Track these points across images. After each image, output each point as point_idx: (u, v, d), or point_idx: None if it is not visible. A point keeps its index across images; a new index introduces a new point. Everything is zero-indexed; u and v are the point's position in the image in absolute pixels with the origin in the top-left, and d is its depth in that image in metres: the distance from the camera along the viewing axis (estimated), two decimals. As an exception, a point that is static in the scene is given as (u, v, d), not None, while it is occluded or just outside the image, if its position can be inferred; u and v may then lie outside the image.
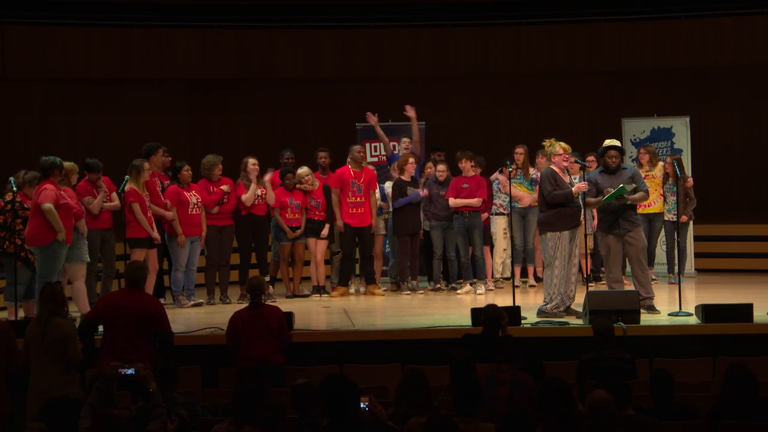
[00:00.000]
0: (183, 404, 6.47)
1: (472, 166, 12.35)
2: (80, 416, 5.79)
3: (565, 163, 10.05)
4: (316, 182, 12.18)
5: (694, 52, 16.13)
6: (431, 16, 16.55)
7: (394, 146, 13.15)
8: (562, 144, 10.02)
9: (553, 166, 9.99)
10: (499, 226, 12.66)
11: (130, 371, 6.19)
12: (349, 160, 12.30)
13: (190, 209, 11.38)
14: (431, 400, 6.27)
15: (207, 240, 11.58)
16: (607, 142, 10.24)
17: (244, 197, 11.84)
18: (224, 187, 11.67)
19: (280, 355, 8.17)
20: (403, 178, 12.31)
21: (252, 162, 11.94)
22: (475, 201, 12.19)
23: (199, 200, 11.44)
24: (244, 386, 5.92)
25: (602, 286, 12.57)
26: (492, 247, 12.73)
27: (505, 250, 12.71)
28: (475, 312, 9.00)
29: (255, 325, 8.10)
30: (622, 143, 14.11)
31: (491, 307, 8.27)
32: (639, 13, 16.21)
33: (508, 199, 12.35)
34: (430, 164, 12.52)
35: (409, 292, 12.27)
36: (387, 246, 12.88)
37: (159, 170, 11.51)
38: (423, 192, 12.26)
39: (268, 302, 11.45)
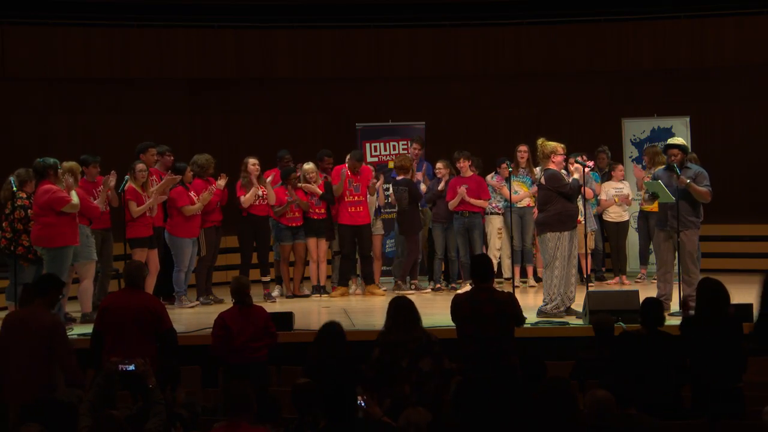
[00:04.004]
0: (183, 404, 6.47)
1: (469, 166, 12.39)
2: (79, 413, 5.78)
3: (564, 163, 10.07)
4: (320, 179, 12.20)
5: (694, 52, 16.10)
6: (431, 16, 16.53)
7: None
8: (559, 144, 10.04)
9: (553, 166, 9.98)
10: (494, 225, 12.66)
11: (131, 367, 6.19)
12: (348, 162, 12.35)
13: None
14: (419, 324, 6.95)
15: (206, 240, 11.62)
16: (670, 141, 10.33)
17: (243, 198, 11.84)
18: (220, 182, 11.68)
19: (264, 352, 8.05)
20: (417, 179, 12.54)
21: (252, 162, 11.96)
22: (482, 202, 12.25)
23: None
24: (231, 384, 5.96)
25: (604, 286, 12.62)
26: (487, 246, 12.76)
27: (499, 249, 12.71)
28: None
29: (242, 325, 7.98)
30: (621, 143, 14.21)
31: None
32: (639, 13, 16.19)
33: (503, 199, 12.38)
34: (439, 165, 12.54)
35: (413, 291, 12.29)
36: (387, 246, 12.89)
37: (161, 169, 11.53)
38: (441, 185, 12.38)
39: (268, 303, 11.54)
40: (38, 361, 6.81)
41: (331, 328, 7.53)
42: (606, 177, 13.06)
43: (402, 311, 6.99)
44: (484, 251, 12.43)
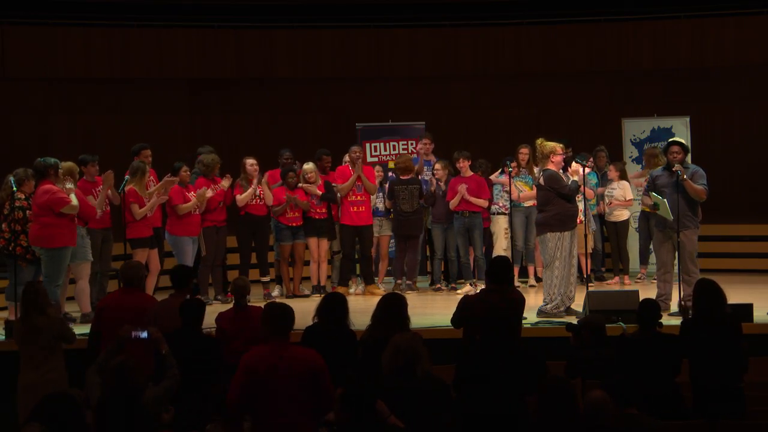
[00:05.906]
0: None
1: (470, 166, 12.38)
2: (87, 374, 5.86)
3: (563, 163, 10.07)
4: (319, 179, 12.20)
5: (694, 52, 16.10)
6: (431, 16, 16.54)
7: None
8: (558, 144, 10.05)
9: (552, 166, 9.98)
10: (501, 225, 12.64)
11: (144, 334, 6.31)
12: (347, 160, 12.36)
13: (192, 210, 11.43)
14: (405, 324, 6.73)
15: (205, 239, 11.62)
16: (673, 138, 10.32)
17: (239, 197, 11.86)
18: (224, 182, 11.69)
19: None
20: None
21: (250, 163, 11.97)
22: (482, 201, 12.24)
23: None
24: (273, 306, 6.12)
25: (604, 286, 12.61)
26: (492, 246, 12.73)
27: (505, 249, 12.69)
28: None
29: (237, 327, 7.93)
30: (621, 143, 14.20)
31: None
32: (639, 13, 16.20)
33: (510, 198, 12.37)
34: (437, 166, 12.52)
35: (409, 291, 12.29)
36: (390, 246, 12.89)
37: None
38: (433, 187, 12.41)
39: (269, 303, 11.52)
40: None
41: (335, 296, 7.31)
42: (605, 177, 13.06)
43: (386, 309, 6.88)
44: (483, 251, 12.44)
